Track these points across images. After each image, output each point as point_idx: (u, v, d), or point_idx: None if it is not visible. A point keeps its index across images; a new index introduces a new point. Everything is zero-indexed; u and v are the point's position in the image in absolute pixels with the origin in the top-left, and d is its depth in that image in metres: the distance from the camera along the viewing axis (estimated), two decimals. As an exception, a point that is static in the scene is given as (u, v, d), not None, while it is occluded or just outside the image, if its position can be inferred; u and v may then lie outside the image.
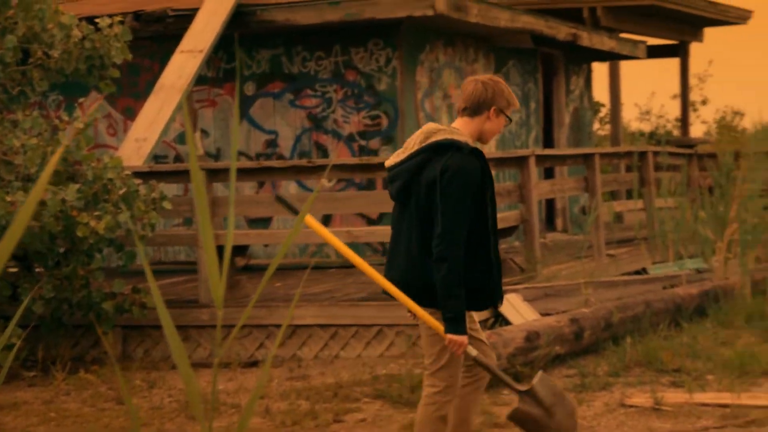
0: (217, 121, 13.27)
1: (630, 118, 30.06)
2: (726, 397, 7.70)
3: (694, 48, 22.10)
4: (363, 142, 12.77)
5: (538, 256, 11.07)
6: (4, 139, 9.07)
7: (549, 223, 16.13)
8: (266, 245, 12.59)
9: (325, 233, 5.68)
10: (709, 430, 7.12)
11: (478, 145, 5.64)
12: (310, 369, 9.12)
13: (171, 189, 12.37)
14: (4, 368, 3.00)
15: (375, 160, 10.12)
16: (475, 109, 5.58)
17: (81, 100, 10.66)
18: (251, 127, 13.16)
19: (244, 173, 10.33)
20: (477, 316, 6.27)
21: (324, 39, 12.85)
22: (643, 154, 14.32)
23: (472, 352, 5.60)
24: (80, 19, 10.16)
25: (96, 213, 8.91)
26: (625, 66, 21.05)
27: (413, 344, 9.16)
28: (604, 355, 8.93)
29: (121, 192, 9.07)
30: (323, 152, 12.87)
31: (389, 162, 5.68)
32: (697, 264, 12.39)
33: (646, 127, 26.80)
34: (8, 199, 8.56)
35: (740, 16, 20.29)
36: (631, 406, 7.62)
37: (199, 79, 12.70)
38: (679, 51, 20.73)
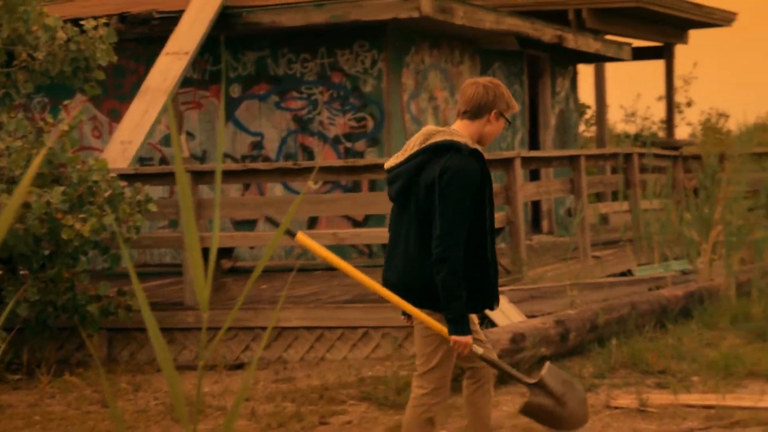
0: (202, 123, 13.26)
1: (615, 119, 30.12)
2: (711, 399, 7.72)
3: (679, 50, 22.12)
4: (349, 144, 12.77)
5: (524, 258, 11.08)
6: (-12, 141, 9.04)
7: (535, 224, 16.15)
8: (252, 247, 12.58)
9: (319, 249, 5.64)
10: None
11: (477, 147, 5.64)
12: (295, 371, 9.11)
13: (156, 191, 12.34)
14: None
15: (361, 162, 10.12)
16: (475, 112, 5.59)
17: (66, 102, 10.65)
18: (237, 129, 13.15)
19: (229, 175, 10.33)
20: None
21: (309, 41, 12.85)
22: (628, 156, 14.35)
23: (478, 350, 5.61)
24: (65, 21, 10.14)
25: (81, 215, 8.89)
26: (610, 68, 21.08)
27: (399, 346, 9.17)
28: (590, 356, 8.94)
29: (106, 194, 9.05)
30: (309, 154, 12.87)
31: (388, 164, 5.69)
32: (682, 266, 12.42)
33: (632, 129, 26.86)
34: (-7, 201, 8.54)
35: (725, 18, 20.35)
36: (616, 408, 7.63)
37: (185, 81, 12.68)
38: (664, 53, 20.78)
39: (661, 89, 21.40)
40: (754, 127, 24.46)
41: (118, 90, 13.39)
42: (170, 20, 12.55)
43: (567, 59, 17.13)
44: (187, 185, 3.00)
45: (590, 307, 9.45)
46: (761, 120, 29.26)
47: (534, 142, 16.46)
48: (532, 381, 5.82)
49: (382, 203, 10.57)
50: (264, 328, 9.55)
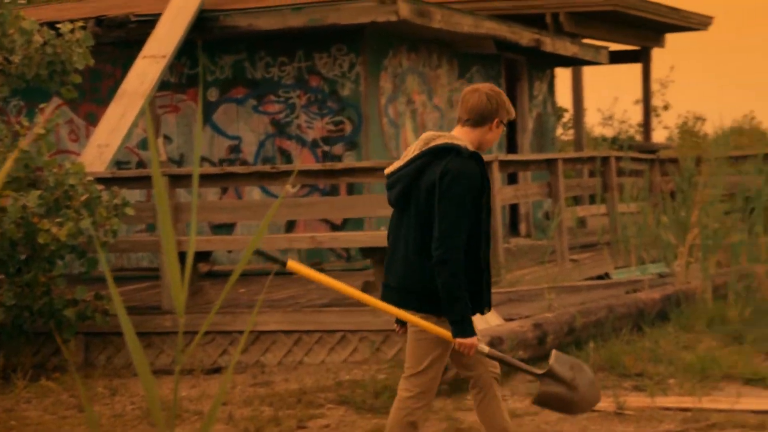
0: (180, 126, 13.23)
1: (593, 123, 30.22)
2: (687, 401, 7.75)
3: (656, 54, 22.22)
4: (327, 148, 12.77)
5: (502, 261, 11.10)
6: (-36, 145, 9.00)
7: (512, 228, 16.18)
8: (230, 251, 12.56)
9: (313, 274, 5.61)
10: (671, 434, 7.16)
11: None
12: (273, 375, 9.10)
13: (133, 195, 12.30)
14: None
15: (339, 165, 10.12)
16: (478, 120, 5.61)
17: (42, 105, 10.60)
18: (214, 132, 13.13)
19: (207, 179, 10.30)
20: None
21: (287, 44, 12.84)
22: (605, 160, 14.39)
23: (484, 349, 5.61)
24: (41, 24, 10.09)
25: (58, 219, 8.85)
26: (587, 71, 21.14)
27: (377, 350, 9.16)
28: (567, 359, 8.95)
29: (83, 198, 9.01)
30: (287, 158, 12.85)
31: (388, 170, 5.70)
32: (659, 269, 12.46)
33: (609, 133, 26.97)
34: (-32, 205, 8.49)
35: (701, 22, 20.44)
36: (593, 411, 7.64)
37: (162, 85, 12.65)
38: (641, 57, 20.85)
39: (638, 93, 21.50)
40: (731, 130, 24.55)
41: (95, 93, 13.34)
42: (147, 24, 12.52)
43: (544, 63, 17.17)
44: (164, 189, 3.00)
45: (568, 310, 9.47)
46: (737, 123, 29.43)
47: (512, 146, 16.50)
48: (541, 372, 5.82)
49: (360, 207, 10.58)
50: (241, 332, 9.52)
